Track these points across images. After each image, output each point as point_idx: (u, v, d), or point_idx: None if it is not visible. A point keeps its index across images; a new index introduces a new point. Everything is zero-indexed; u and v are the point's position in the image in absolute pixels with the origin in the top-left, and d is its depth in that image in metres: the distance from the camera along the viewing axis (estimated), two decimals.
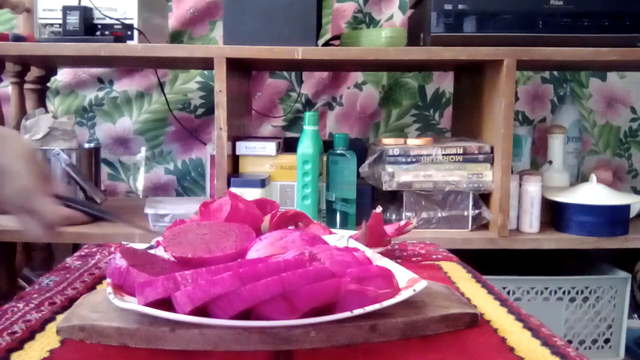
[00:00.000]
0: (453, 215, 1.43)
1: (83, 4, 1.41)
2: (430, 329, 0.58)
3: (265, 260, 0.61)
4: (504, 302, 0.71)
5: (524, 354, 0.56)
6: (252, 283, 0.53)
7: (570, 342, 1.44)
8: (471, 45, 1.37)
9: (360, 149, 1.52)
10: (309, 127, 1.34)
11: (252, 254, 0.67)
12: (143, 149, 1.90)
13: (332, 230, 0.84)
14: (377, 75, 1.91)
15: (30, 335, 0.59)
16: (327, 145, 1.39)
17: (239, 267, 0.56)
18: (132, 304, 0.55)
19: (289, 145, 1.56)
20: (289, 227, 0.84)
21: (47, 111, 1.52)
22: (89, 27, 1.41)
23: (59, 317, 0.64)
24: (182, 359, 0.53)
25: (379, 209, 0.88)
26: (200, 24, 1.86)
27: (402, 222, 0.91)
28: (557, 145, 1.60)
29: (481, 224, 1.44)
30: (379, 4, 1.89)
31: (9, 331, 0.60)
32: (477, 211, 1.43)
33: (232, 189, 1.38)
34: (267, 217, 0.83)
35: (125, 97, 1.88)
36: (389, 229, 0.91)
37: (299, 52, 1.36)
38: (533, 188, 1.44)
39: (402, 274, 0.63)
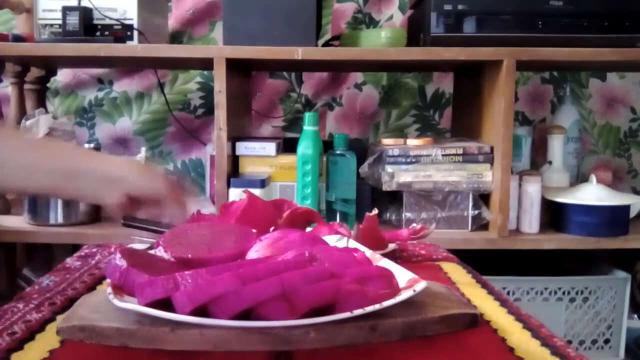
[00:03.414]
0: (453, 216, 1.43)
1: (83, 4, 1.41)
2: (430, 329, 0.58)
3: (265, 261, 0.61)
4: (504, 303, 0.71)
5: (524, 355, 0.56)
6: (252, 283, 0.53)
7: (570, 342, 1.44)
8: (471, 46, 1.37)
9: (360, 149, 1.52)
10: (309, 128, 1.34)
11: (252, 254, 0.67)
12: (143, 149, 1.89)
13: (339, 230, 0.84)
14: (377, 75, 1.91)
15: (30, 335, 0.59)
16: (327, 146, 1.39)
17: (239, 267, 0.56)
18: (132, 304, 0.55)
19: (289, 146, 1.56)
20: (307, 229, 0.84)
21: (47, 111, 1.52)
22: (89, 28, 1.41)
23: (59, 318, 0.64)
24: (182, 359, 0.53)
25: (374, 212, 0.87)
26: (200, 24, 1.86)
27: (418, 226, 0.90)
28: (557, 146, 1.60)
29: (481, 224, 1.45)
30: (379, 4, 1.89)
31: (9, 331, 0.60)
32: (477, 211, 1.43)
33: (232, 190, 1.38)
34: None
35: (125, 98, 1.88)
36: (404, 232, 0.90)
37: (299, 52, 1.36)
38: (533, 188, 1.45)
39: (402, 275, 0.63)
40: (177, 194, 0.82)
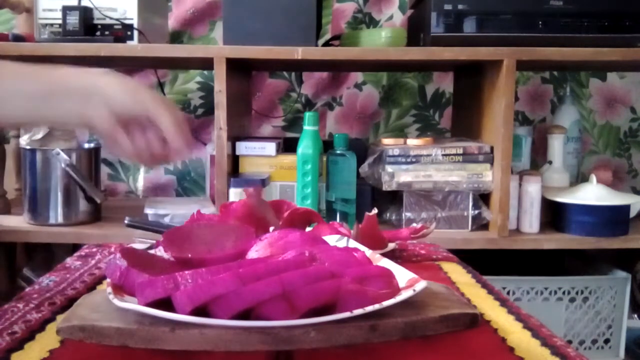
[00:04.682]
0: (453, 216, 1.43)
1: (83, 4, 1.41)
2: (430, 329, 0.58)
3: (265, 260, 0.61)
4: (504, 303, 0.71)
5: (524, 354, 0.56)
6: (252, 283, 0.53)
7: (570, 342, 1.44)
8: (471, 46, 1.37)
9: (360, 149, 1.52)
10: (309, 127, 1.34)
11: (252, 254, 0.67)
12: None
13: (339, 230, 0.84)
14: (377, 75, 1.91)
15: (30, 335, 0.59)
16: (327, 145, 1.39)
17: (239, 267, 0.56)
18: (132, 304, 0.55)
19: (289, 146, 1.56)
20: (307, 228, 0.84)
21: None
22: (89, 28, 1.41)
23: (59, 317, 0.64)
24: (182, 359, 0.53)
25: (373, 212, 0.87)
26: (200, 24, 1.86)
27: (418, 225, 0.90)
28: (557, 145, 1.60)
29: (481, 224, 1.45)
30: (379, 4, 1.89)
31: (9, 331, 0.60)
32: (477, 211, 1.43)
33: (232, 189, 1.38)
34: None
35: None
36: (404, 232, 0.90)
37: (299, 52, 1.36)
38: (533, 188, 1.45)
39: (402, 274, 0.63)
40: (170, 111, 0.70)
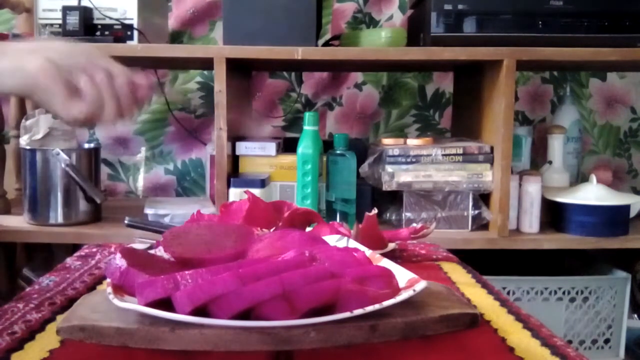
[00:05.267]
0: (453, 216, 1.43)
1: (83, 4, 1.41)
2: (430, 329, 0.58)
3: (265, 260, 0.61)
4: (504, 302, 0.71)
5: (524, 354, 0.56)
6: (252, 283, 0.53)
7: (570, 342, 1.44)
8: (471, 46, 1.37)
9: (360, 149, 1.52)
10: (309, 127, 1.34)
11: (252, 254, 0.67)
12: (143, 149, 1.90)
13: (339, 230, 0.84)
14: (377, 75, 1.91)
15: (30, 335, 0.59)
16: (327, 145, 1.39)
17: (239, 267, 0.56)
18: (132, 304, 0.55)
19: (289, 146, 1.56)
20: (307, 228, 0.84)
21: (47, 111, 1.52)
22: (89, 28, 1.41)
23: (59, 318, 0.64)
24: (182, 359, 0.53)
25: (373, 212, 0.87)
26: (200, 24, 1.86)
27: (418, 225, 0.90)
28: (557, 145, 1.60)
29: (481, 224, 1.44)
30: (379, 4, 1.89)
31: (9, 331, 0.60)
32: (477, 211, 1.43)
33: (232, 189, 1.38)
34: None
35: None
36: (404, 232, 0.90)
37: (299, 52, 1.36)
38: (533, 188, 1.45)
39: (402, 274, 0.63)
40: (107, 60, 0.69)
